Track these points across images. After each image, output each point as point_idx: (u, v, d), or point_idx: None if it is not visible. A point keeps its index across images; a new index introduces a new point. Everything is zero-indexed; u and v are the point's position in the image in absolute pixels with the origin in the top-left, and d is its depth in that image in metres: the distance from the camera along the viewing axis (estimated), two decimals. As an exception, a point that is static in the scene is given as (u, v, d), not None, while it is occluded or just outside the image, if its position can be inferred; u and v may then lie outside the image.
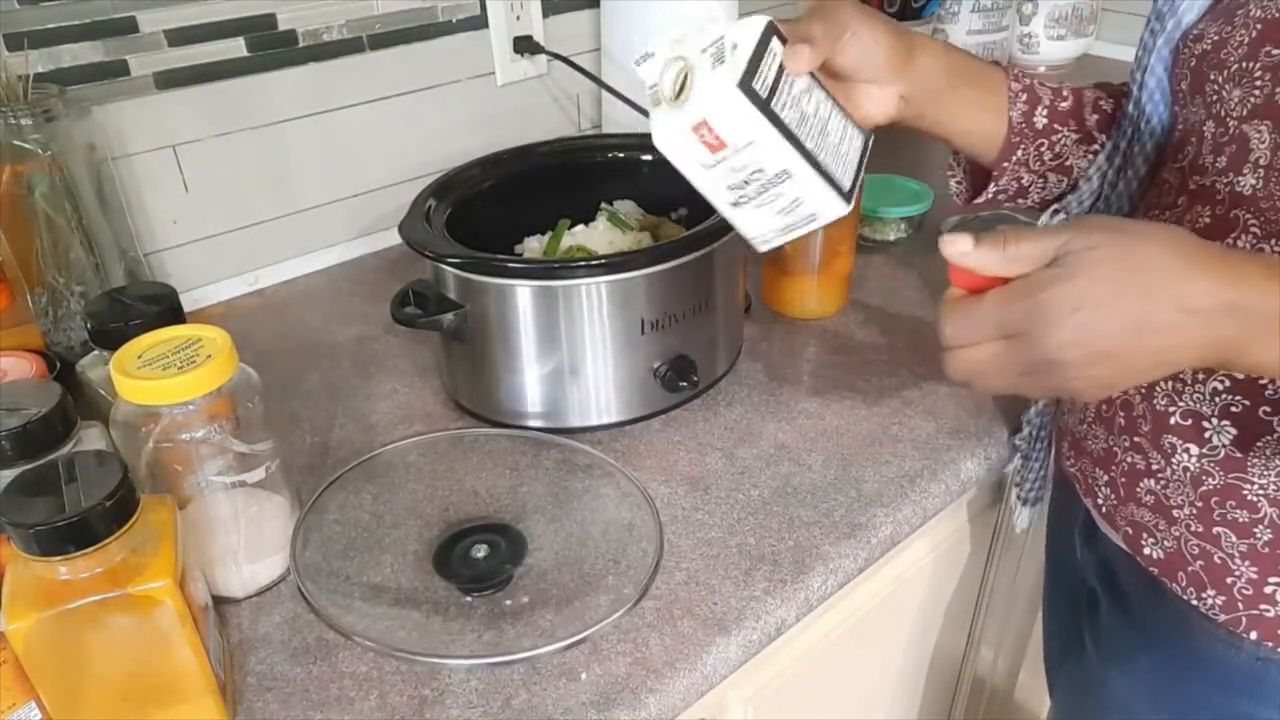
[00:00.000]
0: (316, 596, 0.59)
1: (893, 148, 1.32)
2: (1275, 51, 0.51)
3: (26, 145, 0.73)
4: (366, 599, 0.61)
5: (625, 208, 0.88)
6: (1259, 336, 0.44)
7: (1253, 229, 0.53)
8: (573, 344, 0.70)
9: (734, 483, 0.70)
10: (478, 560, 0.62)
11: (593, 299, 0.69)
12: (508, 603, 0.60)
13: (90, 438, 0.58)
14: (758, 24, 0.51)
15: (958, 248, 0.47)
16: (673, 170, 0.87)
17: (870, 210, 1.00)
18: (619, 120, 1.08)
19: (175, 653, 0.49)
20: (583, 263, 0.69)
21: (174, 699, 0.51)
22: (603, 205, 0.88)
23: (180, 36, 0.86)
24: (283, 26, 0.92)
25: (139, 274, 0.86)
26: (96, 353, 0.66)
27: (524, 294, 0.69)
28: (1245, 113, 0.53)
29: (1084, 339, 0.44)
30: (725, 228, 0.72)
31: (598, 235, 0.84)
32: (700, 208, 0.78)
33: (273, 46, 0.92)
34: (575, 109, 1.17)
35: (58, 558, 0.45)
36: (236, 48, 0.90)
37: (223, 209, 0.94)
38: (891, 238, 1.03)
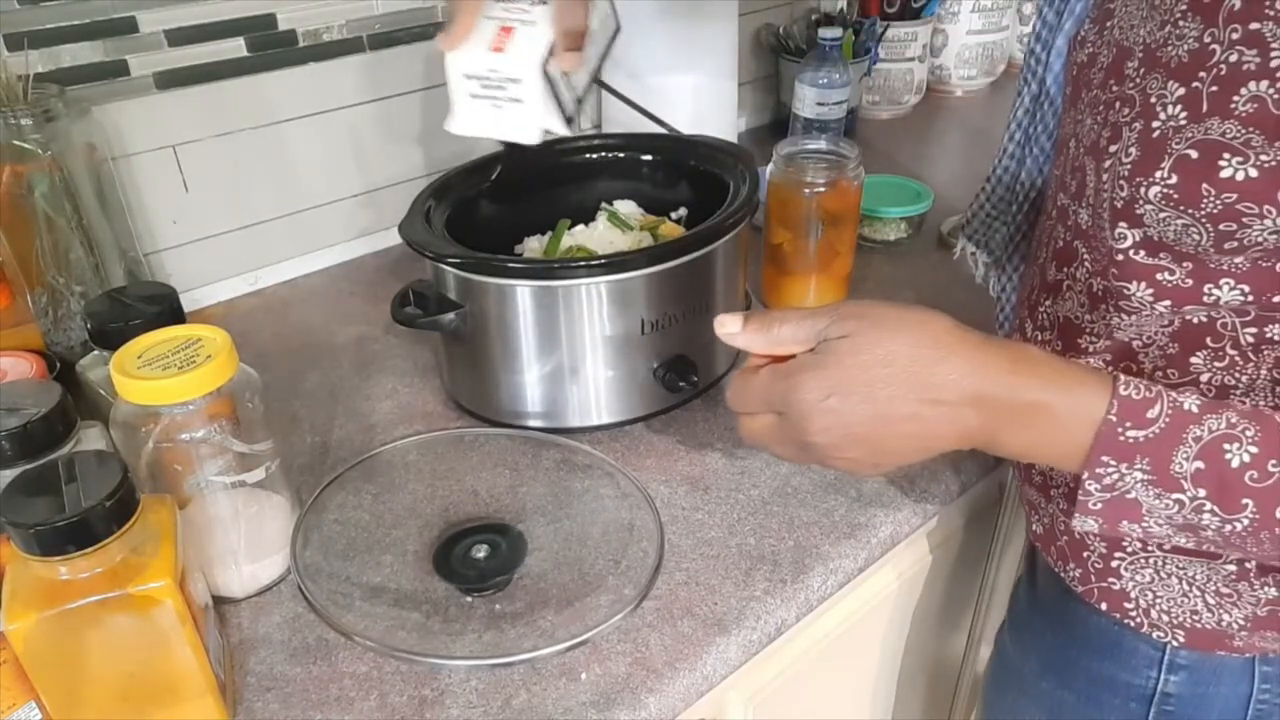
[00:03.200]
0: (317, 596, 0.59)
1: (893, 148, 1.33)
2: (1115, 87, 0.51)
3: (26, 145, 0.73)
4: (366, 599, 0.61)
5: (625, 208, 0.88)
6: (1002, 428, 0.47)
7: (1086, 263, 0.55)
8: (573, 344, 0.70)
9: (734, 483, 0.70)
10: (478, 560, 0.62)
11: (593, 299, 0.69)
12: (508, 603, 0.60)
13: (90, 438, 0.58)
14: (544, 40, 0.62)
15: (726, 329, 0.51)
16: (673, 170, 0.87)
17: (870, 210, 1.00)
18: (619, 120, 1.09)
19: (175, 653, 0.49)
20: (583, 263, 0.69)
21: (174, 699, 0.51)
22: (603, 205, 0.88)
23: (180, 36, 0.86)
24: (283, 26, 0.92)
25: (139, 274, 0.86)
26: (96, 353, 0.66)
27: (524, 294, 0.69)
28: (1087, 144, 0.53)
29: (835, 424, 0.47)
30: (725, 228, 0.72)
31: (598, 235, 0.84)
32: (700, 208, 0.78)
33: (273, 46, 0.92)
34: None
35: (58, 558, 0.45)
36: (236, 48, 0.90)
37: (223, 209, 0.94)
38: (891, 238, 1.03)
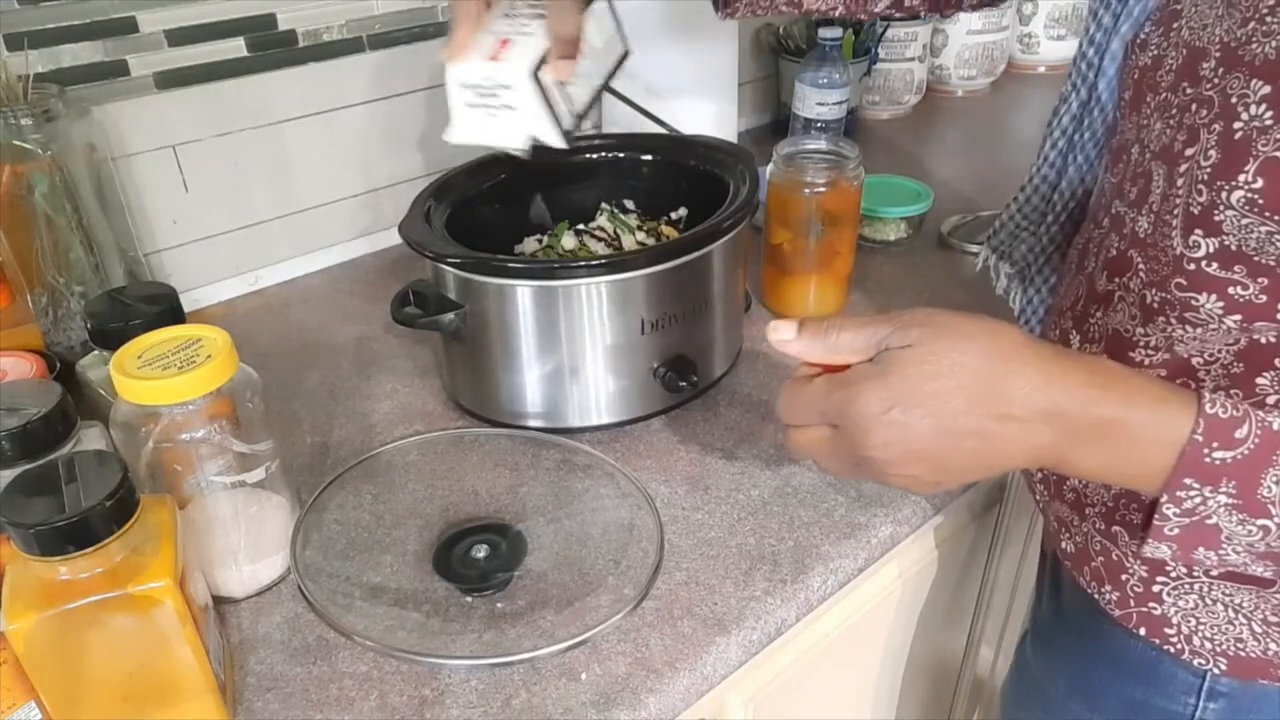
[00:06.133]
0: (317, 596, 0.59)
1: (893, 148, 1.33)
2: (1189, 90, 0.48)
3: (26, 145, 0.73)
4: (366, 599, 0.61)
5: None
6: (1076, 444, 0.44)
7: (1141, 273, 0.53)
8: (573, 344, 0.70)
9: (734, 483, 0.70)
10: (478, 560, 0.62)
11: (593, 299, 0.69)
12: (508, 603, 0.60)
13: (90, 438, 0.58)
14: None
15: (780, 335, 0.48)
16: (673, 170, 0.87)
17: (870, 210, 1.00)
18: (619, 120, 1.08)
19: (175, 653, 0.49)
20: (583, 263, 0.69)
21: (174, 699, 0.51)
22: (603, 205, 0.88)
23: (180, 36, 0.86)
24: (283, 26, 0.92)
25: (139, 274, 0.86)
26: (96, 353, 0.66)
27: (524, 294, 0.69)
28: (1157, 149, 0.51)
29: (896, 439, 0.44)
30: (725, 228, 0.72)
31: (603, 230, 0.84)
32: (700, 208, 0.78)
33: (273, 46, 0.92)
34: (575, 109, 1.17)
35: (58, 558, 0.45)
36: (236, 48, 0.90)
37: (223, 209, 0.94)
38: (891, 238, 1.03)
